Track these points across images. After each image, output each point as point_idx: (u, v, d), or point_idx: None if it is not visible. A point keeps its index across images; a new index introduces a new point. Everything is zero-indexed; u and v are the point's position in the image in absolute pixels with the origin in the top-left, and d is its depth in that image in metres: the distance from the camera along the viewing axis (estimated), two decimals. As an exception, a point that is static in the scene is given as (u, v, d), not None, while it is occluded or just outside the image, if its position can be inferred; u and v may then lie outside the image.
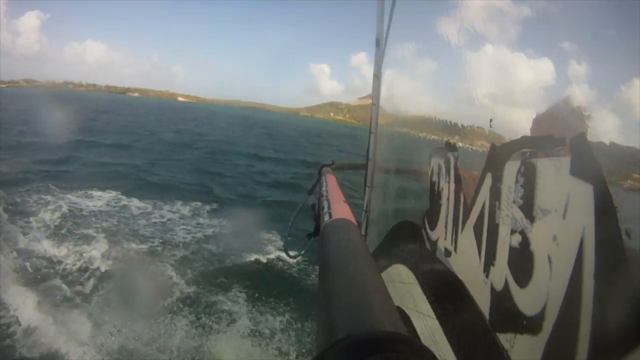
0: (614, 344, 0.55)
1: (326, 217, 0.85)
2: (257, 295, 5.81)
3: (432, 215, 1.48)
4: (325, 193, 1.27)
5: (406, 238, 1.98)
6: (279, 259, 6.88)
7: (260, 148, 23.34)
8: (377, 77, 1.90)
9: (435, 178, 1.38)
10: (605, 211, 0.52)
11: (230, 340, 4.80)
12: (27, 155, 13.37)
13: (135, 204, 9.68)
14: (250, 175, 15.05)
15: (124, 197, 10.03)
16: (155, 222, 8.63)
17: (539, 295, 0.67)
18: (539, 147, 0.60)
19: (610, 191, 0.51)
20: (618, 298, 0.54)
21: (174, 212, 9.36)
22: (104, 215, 8.61)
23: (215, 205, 10.13)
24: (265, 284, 6.16)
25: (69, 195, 9.57)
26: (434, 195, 1.41)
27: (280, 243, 7.21)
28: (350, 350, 0.29)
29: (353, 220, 0.82)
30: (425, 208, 1.59)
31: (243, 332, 4.99)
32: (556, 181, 0.58)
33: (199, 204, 10.07)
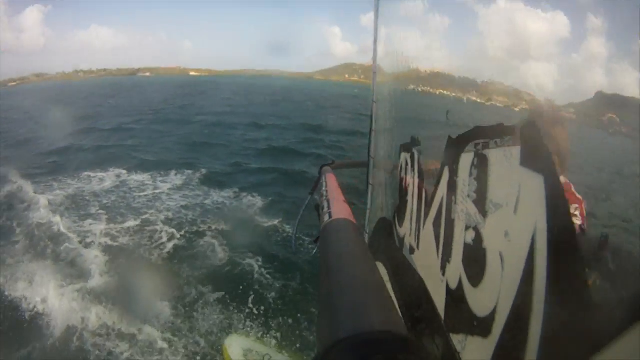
0: (564, 346, 0.52)
1: (326, 217, 0.85)
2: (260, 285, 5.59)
3: (400, 212, 1.45)
4: (325, 193, 1.26)
5: (384, 235, 1.96)
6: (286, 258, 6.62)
7: (260, 116, 22.64)
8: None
9: (403, 173, 1.34)
10: (556, 204, 0.48)
11: (235, 331, 4.61)
12: (32, 149, 13.97)
13: (132, 179, 10.15)
14: (242, 144, 14.97)
15: (121, 176, 10.45)
16: (147, 195, 8.98)
17: (491, 295, 0.63)
18: (490, 137, 0.56)
19: (561, 183, 0.47)
20: (570, 298, 0.50)
21: (166, 183, 9.83)
22: (105, 193, 9.05)
23: (202, 176, 10.35)
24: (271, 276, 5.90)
25: (70, 181, 10.00)
26: (402, 191, 1.37)
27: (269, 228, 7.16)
28: (352, 351, 0.29)
29: (353, 220, 0.81)
30: (396, 204, 1.56)
31: (244, 323, 4.78)
32: (507, 173, 0.54)
33: (188, 175, 10.38)
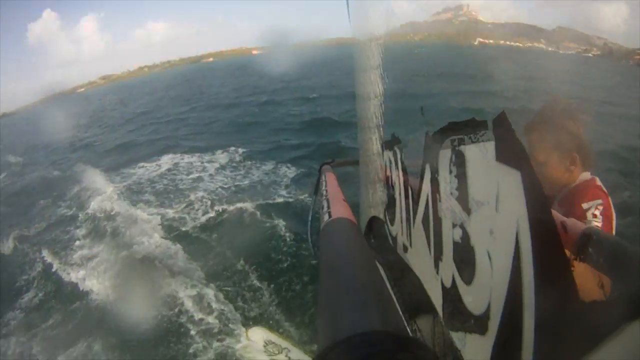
0: (559, 340, 0.50)
1: (326, 217, 0.84)
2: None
3: (390, 210, 1.44)
4: (325, 192, 1.26)
5: (376, 234, 1.95)
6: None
7: (311, 89, 22.18)
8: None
9: (388, 172, 1.33)
10: (536, 200, 0.47)
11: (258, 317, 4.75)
12: (98, 149, 15.59)
13: (182, 163, 10.94)
14: (286, 119, 15.03)
15: (172, 161, 11.32)
16: (194, 177, 9.63)
17: (484, 292, 0.62)
18: (465, 133, 0.55)
19: (538, 178, 0.46)
20: (558, 292, 0.49)
21: (213, 163, 10.42)
22: (158, 178, 9.98)
23: (243, 155, 10.78)
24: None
25: (131, 170, 11.08)
26: (389, 190, 1.36)
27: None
28: (352, 351, 0.29)
29: (353, 219, 0.81)
30: (385, 202, 1.55)
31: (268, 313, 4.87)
32: (485, 169, 0.52)
33: (232, 155, 10.86)
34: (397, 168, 1.15)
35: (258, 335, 4.00)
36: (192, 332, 4.46)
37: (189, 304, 4.87)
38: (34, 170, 14.21)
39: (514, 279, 0.53)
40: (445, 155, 0.65)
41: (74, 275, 5.92)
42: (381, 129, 1.59)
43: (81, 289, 5.56)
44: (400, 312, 1.22)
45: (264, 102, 19.67)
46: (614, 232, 1.06)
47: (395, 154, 1.14)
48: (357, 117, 1.93)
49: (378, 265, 1.69)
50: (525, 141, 1.18)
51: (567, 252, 0.46)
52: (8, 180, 13.86)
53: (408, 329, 1.15)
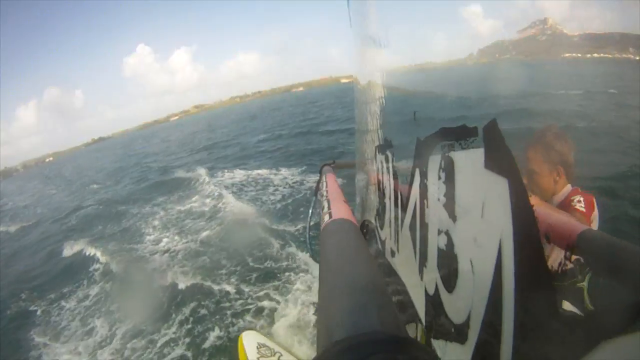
0: (535, 353, 0.50)
1: (326, 217, 0.84)
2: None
3: (380, 215, 1.43)
4: (325, 193, 1.26)
5: (367, 237, 1.94)
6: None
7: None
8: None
9: (380, 176, 1.33)
10: (522, 210, 0.47)
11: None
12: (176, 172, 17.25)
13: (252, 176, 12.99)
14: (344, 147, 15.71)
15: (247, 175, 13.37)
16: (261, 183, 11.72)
17: (464, 301, 0.62)
18: (455, 139, 0.54)
19: (525, 186, 0.46)
20: (539, 304, 0.49)
21: (278, 175, 12.27)
22: (235, 183, 12.24)
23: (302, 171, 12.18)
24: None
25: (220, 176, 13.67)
26: (380, 194, 1.36)
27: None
28: (352, 351, 0.29)
29: (353, 220, 0.81)
30: (376, 206, 1.54)
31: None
32: (472, 176, 0.52)
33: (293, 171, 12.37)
34: (388, 172, 1.15)
35: (251, 338, 4.04)
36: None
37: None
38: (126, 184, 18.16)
39: (494, 288, 0.52)
40: (434, 161, 0.64)
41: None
42: (378, 133, 1.59)
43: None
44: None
45: (331, 131, 19.76)
46: (596, 217, 1.38)
47: (387, 158, 1.14)
48: (355, 120, 1.93)
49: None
50: (524, 156, 1.56)
51: (547, 263, 0.45)
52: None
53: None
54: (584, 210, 1.37)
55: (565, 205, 1.44)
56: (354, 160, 2.56)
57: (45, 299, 7.08)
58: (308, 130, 21.44)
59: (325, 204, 1.01)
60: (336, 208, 0.90)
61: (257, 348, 3.87)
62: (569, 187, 1.50)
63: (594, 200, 1.43)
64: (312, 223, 2.05)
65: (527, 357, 0.50)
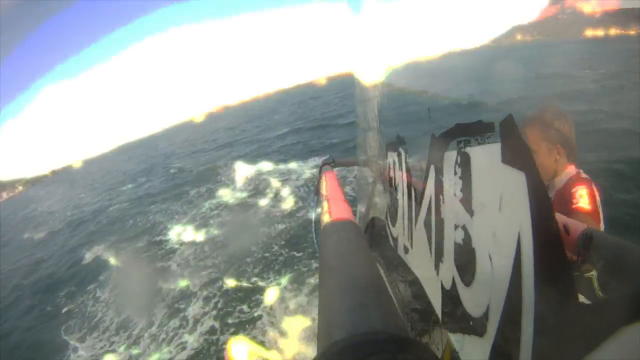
0: (557, 344, 0.51)
1: (326, 217, 0.84)
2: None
3: (392, 211, 1.44)
4: (325, 192, 1.26)
5: (376, 235, 1.95)
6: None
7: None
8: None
9: (392, 172, 1.33)
10: (540, 203, 0.47)
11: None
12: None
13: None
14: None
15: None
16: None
17: (483, 294, 0.63)
18: (471, 135, 0.55)
19: (542, 181, 0.46)
20: (558, 297, 0.49)
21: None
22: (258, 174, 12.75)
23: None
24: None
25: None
26: (392, 190, 1.36)
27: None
28: (352, 351, 0.29)
29: (353, 219, 0.81)
30: (387, 203, 1.55)
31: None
32: (490, 171, 0.53)
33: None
34: (400, 169, 1.15)
35: (241, 344, 4.05)
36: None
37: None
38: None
39: (513, 281, 0.53)
40: (450, 157, 0.65)
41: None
42: (382, 130, 1.60)
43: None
44: (400, 313, 1.23)
45: (346, 124, 19.45)
46: (600, 214, 1.33)
47: (399, 155, 1.15)
48: (356, 118, 1.93)
49: (378, 265, 1.69)
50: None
51: (569, 255, 0.46)
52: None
53: (408, 330, 1.16)
54: (588, 208, 1.31)
55: (567, 194, 1.36)
56: (355, 158, 2.56)
57: (80, 292, 7.41)
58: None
59: (325, 204, 1.01)
60: (336, 207, 0.91)
61: (248, 356, 3.91)
62: (572, 169, 1.44)
63: (595, 189, 1.36)
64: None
65: (547, 348, 0.51)
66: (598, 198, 1.35)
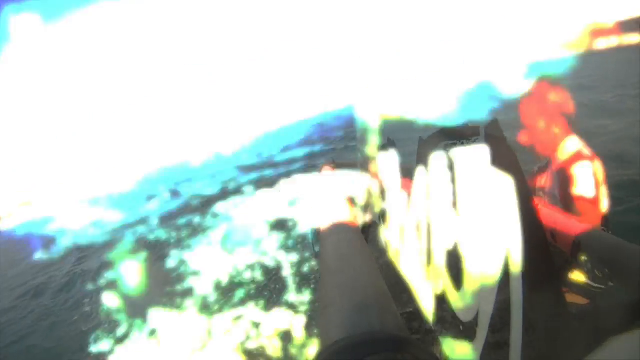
0: (544, 349, 0.50)
1: (326, 218, 0.83)
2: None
3: (384, 214, 1.43)
4: (325, 193, 1.26)
5: (370, 238, 1.94)
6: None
7: None
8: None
9: (383, 175, 1.33)
10: (526, 206, 0.47)
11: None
12: None
13: None
14: None
15: None
16: None
17: (472, 299, 0.62)
18: (457, 138, 0.54)
19: (529, 184, 0.46)
20: (546, 302, 0.49)
21: None
22: None
23: None
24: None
25: None
26: (384, 193, 1.36)
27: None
28: (350, 351, 0.29)
29: (354, 220, 0.81)
30: (381, 206, 1.54)
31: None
32: (477, 175, 0.52)
33: None
34: (391, 171, 1.15)
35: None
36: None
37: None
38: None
39: (502, 285, 0.53)
40: (438, 160, 0.65)
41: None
42: (379, 132, 1.59)
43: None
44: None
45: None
46: (602, 195, 1.28)
47: (390, 157, 1.14)
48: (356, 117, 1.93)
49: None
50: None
51: (558, 261, 0.45)
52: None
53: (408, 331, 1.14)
54: (588, 194, 1.25)
55: (568, 174, 1.29)
56: (355, 159, 2.55)
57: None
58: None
59: (325, 205, 1.01)
60: (336, 209, 0.90)
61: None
62: (574, 142, 1.38)
63: (598, 166, 1.30)
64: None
65: (535, 353, 0.50)
66: (600, 176, 1.31)
